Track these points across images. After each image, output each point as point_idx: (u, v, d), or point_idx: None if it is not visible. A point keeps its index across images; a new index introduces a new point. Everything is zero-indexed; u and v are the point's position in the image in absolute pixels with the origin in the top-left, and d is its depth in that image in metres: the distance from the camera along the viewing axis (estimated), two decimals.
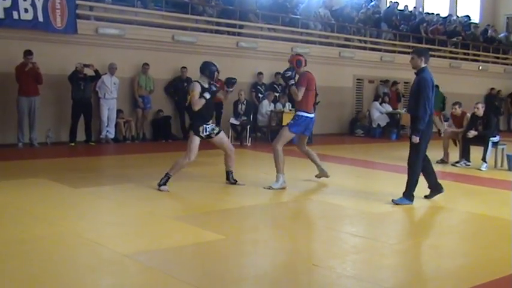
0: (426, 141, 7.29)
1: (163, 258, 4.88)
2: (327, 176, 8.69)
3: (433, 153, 12.30)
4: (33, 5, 12.05)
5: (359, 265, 4.98)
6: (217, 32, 15.70)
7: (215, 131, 8.08)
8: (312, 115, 8.31)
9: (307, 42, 17.39)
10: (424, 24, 21.54)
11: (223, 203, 7.21)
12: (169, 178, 7.77)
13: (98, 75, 12.79)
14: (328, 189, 8.11)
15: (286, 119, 14.71)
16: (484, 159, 10.77)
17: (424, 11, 24.42)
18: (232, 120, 14.19)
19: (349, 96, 18.87)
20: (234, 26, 16.06)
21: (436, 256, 5.39)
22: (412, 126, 7.34)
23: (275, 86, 16.10)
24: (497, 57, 24.10)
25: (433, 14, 24.59)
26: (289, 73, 8.15)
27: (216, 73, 7.98)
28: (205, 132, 7.93)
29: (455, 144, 11.76)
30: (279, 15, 17.22)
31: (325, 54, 17.61)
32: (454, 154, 11.42)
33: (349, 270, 4.80)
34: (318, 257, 5.18)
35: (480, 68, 22.78)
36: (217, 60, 15.06)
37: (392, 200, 7.31)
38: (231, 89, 8.28)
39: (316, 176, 8.79)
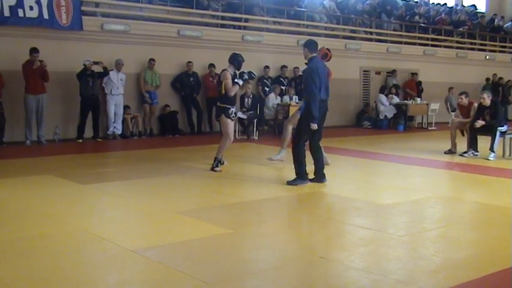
0: (308, 126, 7.64)
1: (170, 253, 4.88)
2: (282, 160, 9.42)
3: (441, 143, 12.32)
4: (38, 2, 12.09)
5: (367, 257, 4.96)
6: (222, 26, 15.69)
7: (236, 115, 9.27)
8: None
9: (312, 34, 17.26)
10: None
11: (229, 197, 7.21)
12: (219, 161, 8.92)
13: (106, 72, 12.83)
14: (334, 181, 8.09)
15: (293, 112, 14.69)
16: (491, 149, 10.72)
17: (431, 2, 24.31)
18: (239, 114, 14.15)
19: (356, 88, 18.81)
20: (239, 19, 16.04)
21: (444, 247, 5.37)
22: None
23: (281, 79, 16.08)
24: (504, 46, 23.95)
25: (439, 4, 24.50)
26: None
27: (242, 64, 9.03)
28: (233, 114, 8.96)
29: (463, 135, 11.71)
30: (284, 8, 17.18)
31: (331, 47, 17.27)
32: (462, 144, 11.38)
33: (357, 263, 4.79)
34: (325, 250, 5.18)
35: (487, 57, 22.65)
36: (222, 54, 15.22)
37: (287, 182, 7.74)
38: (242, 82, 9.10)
39: (270, 158, 9.50)
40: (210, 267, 4.56)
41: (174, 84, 14.59)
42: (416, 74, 19.42)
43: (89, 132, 12.88)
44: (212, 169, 8.83)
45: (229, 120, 8.89)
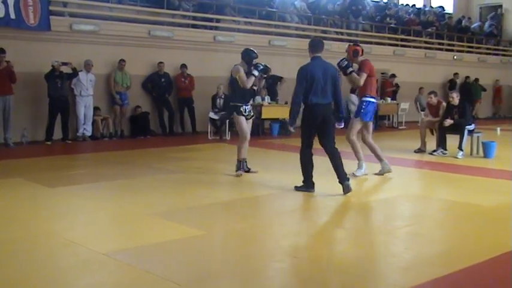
0: (309, 130, 7.32)
1: (142, 255, 4.84)
2: (389, 171, 8.71)
3: (411, 142, 12.45)
4: (5, 2, 11.87)
5: (338, 255, 4.99)
6: (193, 26, 15.63)
7: (251, 114, 8.72)
8: (375, 100, 8.72)
9: (284, 35, 17.39)
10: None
11: (201, 199, 7.17)
12: (241, 162, 8.57)
13: (75, 73, 12.67)
14: (293, 182, 8.13)
15: (266, 112, 14.75)
16: (460, 147, 10.89)
17: (400, 3, 24.60)
18: (211, 115, 14.14)
19: None
20: (210, 20, 16.00)
21: (415, 244, 5.43)
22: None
23: None
24: (471, 47, 24.35)
25: (408, 5, 24.81)
26: (346, 62, 8.36)
27: (254, 59, 8.52)
28: (246, 112, 8.54)
29: (432, 133, 11.86)
30: (255, 9, 17.19)
31: (303, 47, 17.36)
32: (431, 143, 11.52)
33: (329, 261, 4.82)
34: (298, 249, 5.19)
35: (455, 57, 22.99)
36: (194, 54, 15.24)
37: (295, 187, 7.47)
38: (265, 75, 8.67)
39: (377, 173, 8.74)
40: (183, 269, 4.54)
41: (145, 85, 14.49)
42: (394, 75, 19.58)
43: (58, 134, 12.69)
44: (235, 172, 8.54)
45: (242, 117, 8.48)
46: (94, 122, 13.32)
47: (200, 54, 15.23)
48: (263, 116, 14.77)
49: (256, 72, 8.44)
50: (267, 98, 15.23)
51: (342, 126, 7.82)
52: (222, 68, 15.60)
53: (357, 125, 8.68)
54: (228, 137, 14.00)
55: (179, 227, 5.71)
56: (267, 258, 4.86)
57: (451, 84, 21.68)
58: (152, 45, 14.50)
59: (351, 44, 9.21)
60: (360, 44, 9.12)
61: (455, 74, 22.19)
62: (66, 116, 12.69)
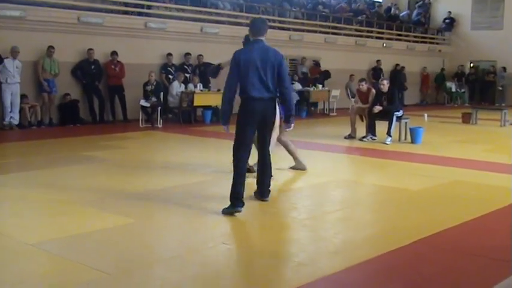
0: (243, 131, 5.89)
1: (71, 245, 4.77)
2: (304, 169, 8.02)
3: (341, 129, 12.71)
4: None
5: (269, 242, 5.06)
6: (124, 12, 15.34)
7: None
8: None
9: (216, 22, 17.33)
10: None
11: (131, 187, 7.07)
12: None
13: (0, 60, 12.21)
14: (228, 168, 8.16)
15: (198, 99, 14.70)
16: (388, 133, 11.20)
17: None
18: (142, 102, 13.97)
19: None
20: (142, 6, 15.75)
21: (344, 229, 5.57)
22: None
23: (185, 66, 15.98)
24: (400, 35, 25.01)
25: None
26: None
27: None
28: None
29: (362, 120, 12.13)
30: None
31: (235, 34, 17.56)
32: (361, 129, 11.79)
33: (260, 248, 4.88)
34: (228, 236, 5.24)
35: (384, 45, 23.54)
36: (125, 41, 14.98)
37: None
38: None
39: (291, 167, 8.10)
40: (112, 258, 4.50)
41: (75, 72, 14.15)
42: (317, 63, 19.96)
43: None
44: None
45: None
46: (21, 110, 12.92)
47: (131, 41, 14.99)
48: (195, 104, 14.72)
49: None
50: (200, 86, 15.18)
51: (291, 128, 6.54)
52: (153, 55, 15.44)
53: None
54: (160, 124, 13.89)
55: (108, 216, 5.64)
56: (198, 245, 4.87)
57: (375, 72, 22.15)
58: (82, 32, 14.15)
59: None
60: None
61: (378, 60, 22.65)
62: None
